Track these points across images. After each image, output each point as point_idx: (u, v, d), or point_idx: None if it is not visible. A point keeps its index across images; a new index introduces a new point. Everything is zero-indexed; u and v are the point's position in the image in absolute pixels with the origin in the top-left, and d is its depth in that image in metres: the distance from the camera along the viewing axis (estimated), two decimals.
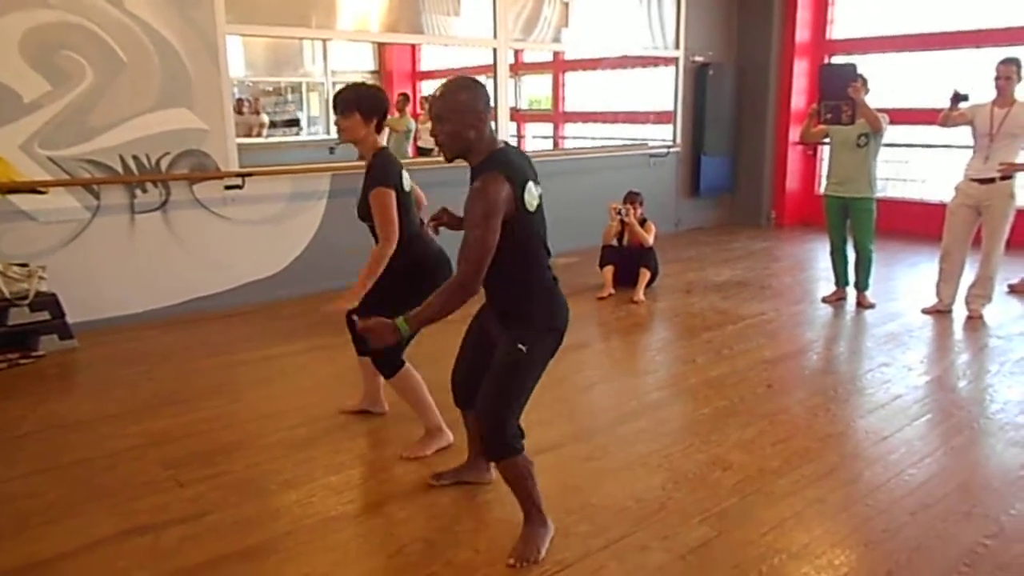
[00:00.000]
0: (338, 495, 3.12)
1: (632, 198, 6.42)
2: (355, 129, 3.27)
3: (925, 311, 5.65)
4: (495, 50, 7.34)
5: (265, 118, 11.50)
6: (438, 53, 13.75)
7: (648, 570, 2.59)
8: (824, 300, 6.05)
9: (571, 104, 12.90)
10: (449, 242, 3.06)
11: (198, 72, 5.57)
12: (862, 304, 5.85)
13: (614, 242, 6.43)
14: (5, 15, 4.85)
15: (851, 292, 5.99)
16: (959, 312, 5.60)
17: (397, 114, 9.81)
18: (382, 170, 3.26)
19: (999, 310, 5.62)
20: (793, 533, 2.81)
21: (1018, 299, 6.02)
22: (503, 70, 7.41)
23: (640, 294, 6.12)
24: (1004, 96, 5.17)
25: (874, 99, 5.49)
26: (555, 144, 12.93)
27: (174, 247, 5.68)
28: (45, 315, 4.92)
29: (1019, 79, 5.15)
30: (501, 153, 2.50)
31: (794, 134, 8.74)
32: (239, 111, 9.88)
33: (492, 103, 2.54)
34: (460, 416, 3.02)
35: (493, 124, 2.54)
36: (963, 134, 5.59)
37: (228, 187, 5.83)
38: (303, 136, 12.26)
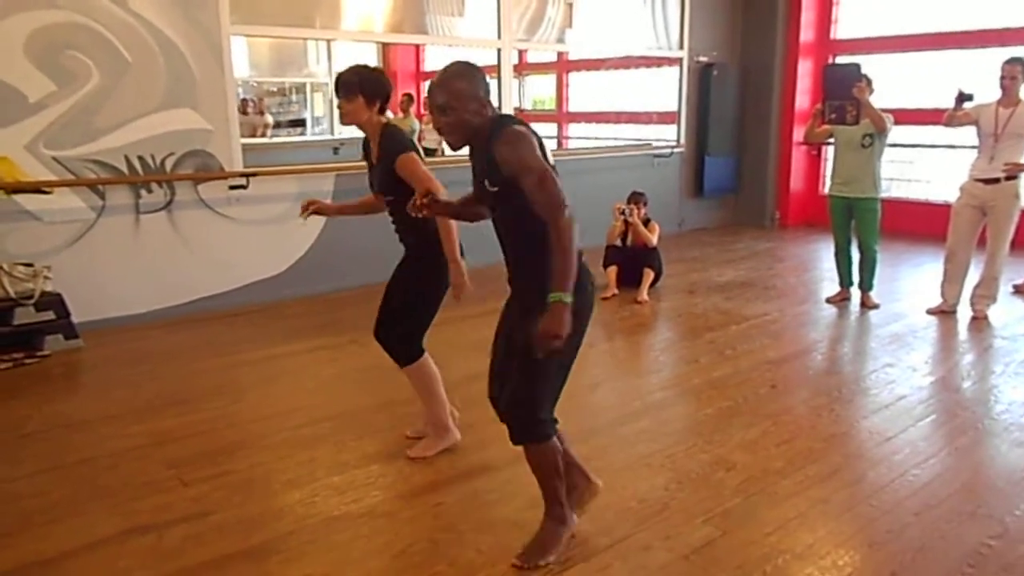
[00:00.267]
0: (341, 495, 3.13)
1: (636, 198, 6.41)
2: (358, 112, 3.20)
3: (930, 312, 5.64)
4: (499, 50, 7.34)
5: (269, 118, 11.52)
6: (442, 53, 13.74)
7: (651, 570, 2.59)
8: (828, 300, 6.04)
9: (575, 104, 12.90)
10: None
11: (203, 73, 5.58)
12: (866, 304, 5.84)
13: (618, 242, 6.43)
14: (10, 15, 4.87)
15: (855, 292, 5.98)
16: (964, 313, 5.58)
17: (401, 114, 9.81)
18: (397, 139, 3.20)
19: (1004, 311, 5.61)
20: (797, 533, 2.81)
21: (1023, 299, 6.00)
22: (507, 70, 7.41)
23: (644, 294, 6.12)
24: (1009, 96, 5.16)
25: (878, 99, 5.48)
26: (559, 144, 12.91)
27: (179, 247, 5.70)
28: (50, 315, 4.93)
29: None
30: (503, 117, 2.44)
31: (798, 134, 8.71)
32: (243, 111, 9.90)
33: (488, 84, 2.44)
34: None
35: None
36: (968, 134, 5.58)
37: (232, 187, 5.84)
38: (307, 136, 12.28)
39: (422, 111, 11.84)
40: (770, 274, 7.05)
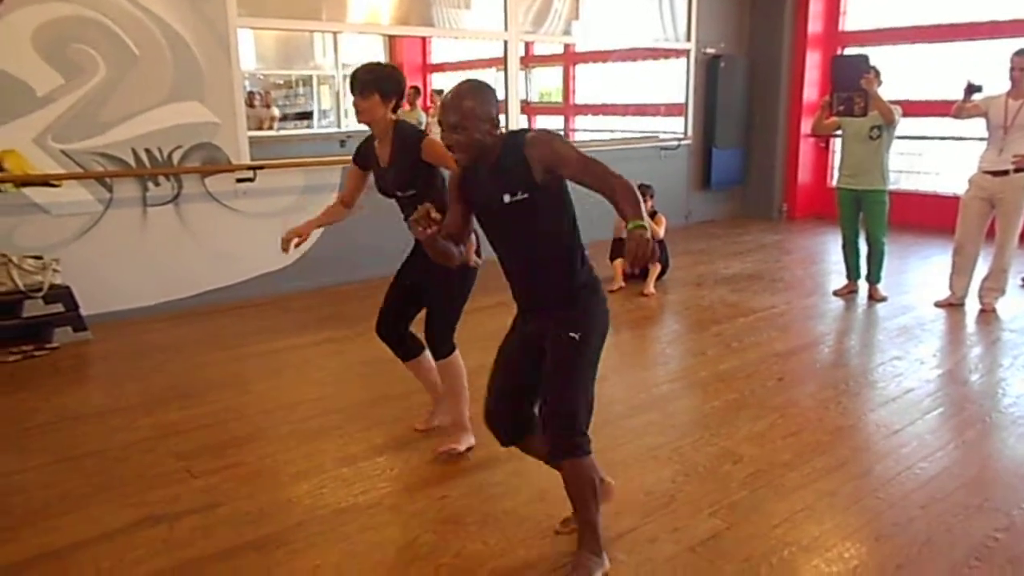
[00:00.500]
0: (349, 487, 3.14)
1: (643, 191, 6.35)
2: (374, 110, 3.20)
3: (938, 304, 5.62)
4: (506, 43, 7.33)
5: (276, 111, 11.53)
6: (449, 46, 13.74)
7: (658, 562, 2.59)
8: (836, 293, 6.02)
9: (582, 97, 12.86)
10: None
11: (210, 65, 5.59)
12: (874, 297, 5.82)
13: (624, 235, 6.41)
14: (18, 9, 4.88)
15: (863, 285, 5.96)
16: (972, 305, 5.56)
17: (408, 107, 9.81)
18: (411, 129, 3.25)
19: (1012, 303, 5.58)
20: (804, 526, 2.81)
21: None
22: (514, 63, 7.40)
23: (650, 287, 6.11)
24: (1019, 88, 5.12)
25: (887, 91, 5.45)
26: (566, 137, 12.88)
27: (186, 240, 5.71)
28: (59, 307, 4.95)
29: None
30: (511, 131, 2.46)
31: (806, 126, 8.70)
32: (250, 104, 9.91)
33: (498, 102, 2.46)
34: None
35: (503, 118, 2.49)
36: (977, 126, 5.55)
37: (240, 180, 5.85)
38: (314, 129, 12.29)
39: (428, 104, 11.85)
40: (777, 267, 7.04)
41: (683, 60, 8.91)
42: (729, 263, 7.15)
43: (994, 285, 5.49)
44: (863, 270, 5.92)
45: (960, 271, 5.57)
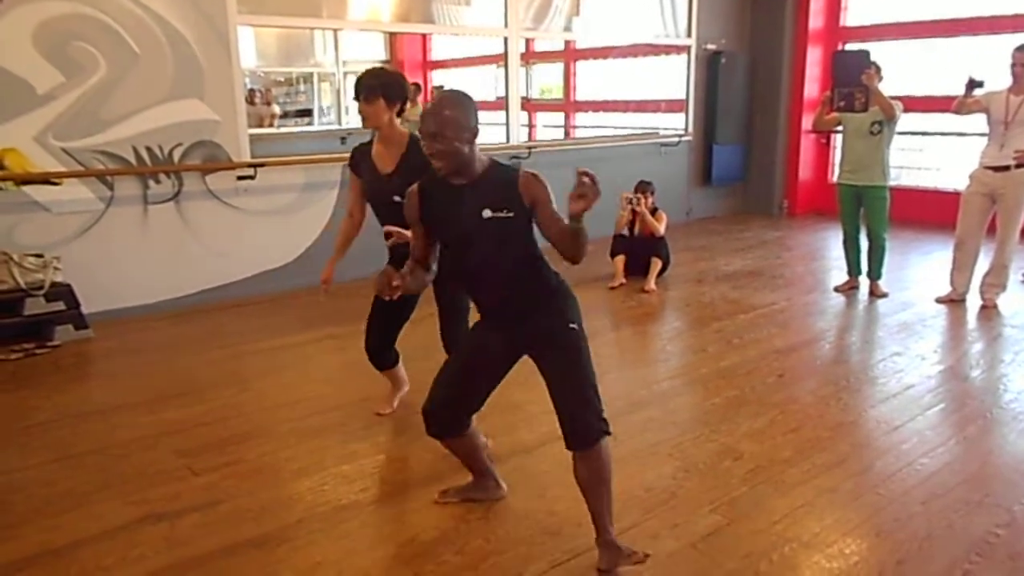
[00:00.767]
0: (350, 484, 3.14)
1: (643, 187, 6.40)
2: (379, 115, 3.25)
3: (939, 300, 5.62)
4: (506, 39, 7.32)
5: (277, 108, 11.52)
6: (449, 42, 13.73)
7: (659, 558, 2.60)
8: (836, 289, 6.02)
9: (582, 93, 12.86)
10: None
11: (210, 63, 5.59)
12: (875, 293, 5.82)
13: (625, 231, 6.42)
14: (19, 7, 4.87)
15: (864, 281, 5.96)
16: (973, 301, 5.56)
17: (409, 104, 9.79)
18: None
19: (1013, 299, 5.58)
20: (804, 522, 2.81)
21: None
22: (514, 59, 7.39)
23: (651, 283, 6.11)
24: (1020, 83, 5.11)
25: (888, 86, 5.45)
26: (566, 133, 12.89)
27: (187, 237, 5.72)
28: (60, 305, 4.96)
29: None
30: (497, 161, 2.57)
31: (807, 122, 8.68)
32: (251, 102, 9.90)
33: (478, 113, 2.52)
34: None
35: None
36: (978, 122, 5.54)
37: (240, 177, 5.86)
38: (315, 126, 12.28)
39: (429, 100, 11.83)
40: (778, 263, 7.03)
41: (684, 56, 8.90)
42: (730, 259, 7.15)
43: (995, 281, 5.49)
44: (864, 266, 5.92)
45: (961, 267, 5.56)
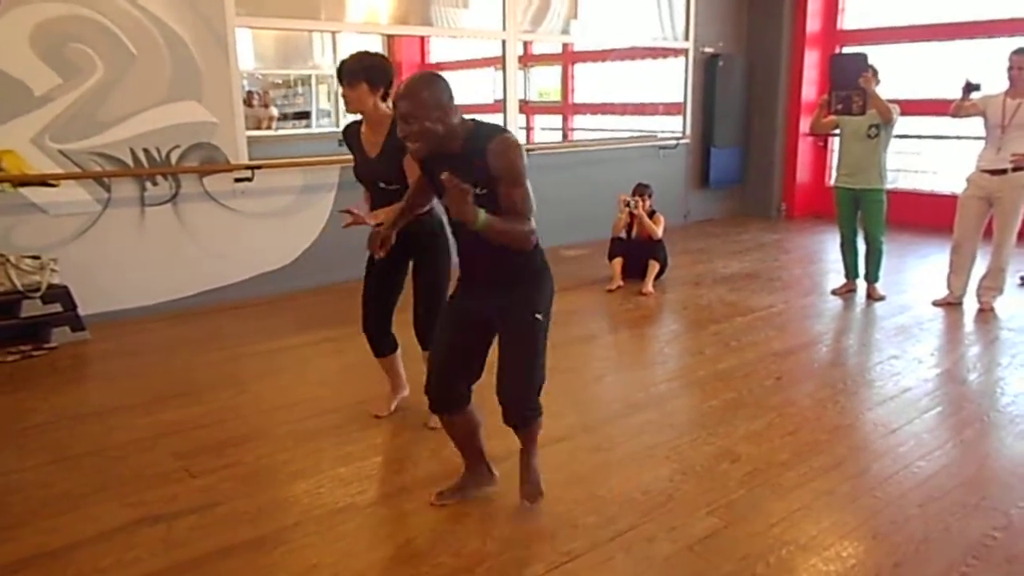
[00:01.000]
0: (347, 486, 3.14)
1: (641, 190, 6.40)
2: (362, 99, 3.23)
3: (936, 303, 5.62)
4: (504, 42, 7.32)
5: (274, 111, 11.50)
6: (448, 45, 13.72)
7: (655, 561, 2.60)
8: (834, 292, 6.03)
9: (580, 96, 12.85)
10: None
11: (208, 65, 5.59)
12: (872, 296, 5.83)
13: (623, 234, 6.42)
14: (15, 8, 4.87)
15: (861, 284, 5.97)
16: (970, 304, 5.57)
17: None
18: None
19: (1010, 302, 5.59)
20: (801, 525, 2.81)
21: None
22: (512, 62, 7.40)
23: (649, 286, 6.11)
24: (1017, 87, 5.13)
25: (885, 89, 5.45)
26: (564, 136, 12.88)
27: (184, 240, 5.71)
28: (57, 307, 4.95)
29: None
30: (482, 124, 2.55)
31: (804, 125, 8.71)
32: (249, 104, 9.89)
33: (454, 96, 2.52)
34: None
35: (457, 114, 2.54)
36: (975, 125, 5.55)
37: (238, 180, 5.85)
38: (312, 128, 12.27)
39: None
40: (775, 266, 7.04)
41: (682, 59, 8.90)
42: (727, 262, 7.15)
43: (992, 284, 5.49)
44: (861, 269, 5.93)
45: (958, 270, 5.57)
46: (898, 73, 8.01)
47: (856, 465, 3.28)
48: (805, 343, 4.98)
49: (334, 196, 6.32)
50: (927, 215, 8.30)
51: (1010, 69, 5.12)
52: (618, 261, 6.31)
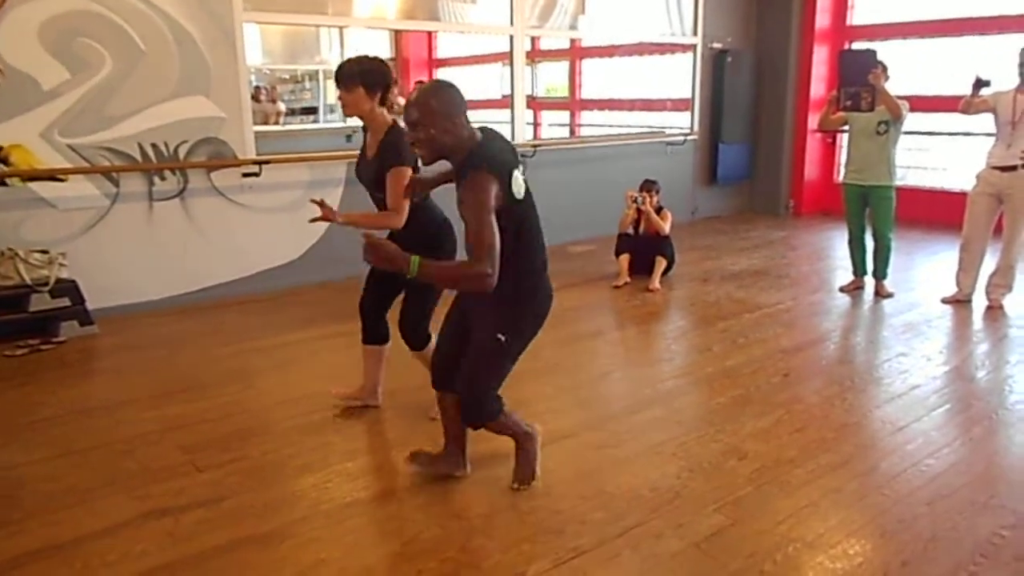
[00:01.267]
0: (354, 481, 3.14)
1: (649, 186, 6.39)
2: (359, 103, 3.24)
3: (944, 301, 5.60)
4: (511, 37, 7.31)
5: (282, 106, 11.51)
6: (455, 40, 13.71)
7: (662, 558, 2.59)
8: (842, 289, 6.01)
9: (588, 92, 12.83)
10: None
11: (216, 60, 5.59)
12: (880, 293, 5.81)
13: (630, 230, 6.41)
14: (25, 3, 4.88)
15: (869, 281, 5.95)
16: (979, 302, 5.54)
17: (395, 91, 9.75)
18: (399, 147, 3.22)
19: (1020, 300, 5.55)
20: (808, 522, 2.81)
21: None
22: (520, 57, 7.38)
23: (656, 282, 6.10)
24: None
25: (894, 86, 5.43)
26: (572, 132, 12.87)
27: (192, 234, 5.72)
28: (65, 301, 4.97)
29: None
30: (481, 148, 2.56)
31: (813, 121, 8.63)
32: (256, 99, 9.89)
33: (465, 104, 2.56)
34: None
35: (468, 122, 2.58)
36: (985, 121, 5.52)
37: (245, 175, 5.86)
38: (320, 124, 12.28)
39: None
40: (784, 263, 7.02)
41: (690, 55, 8.87)
42: (735, 259, 7.14)
43: (1001, 281, 5.47)
44: (869, 266, 5.91)
45: (967, 267, 5.55)
46: (907, 69, 7.97)
47: (864, 463, 3.27)
48: (813, 340, 4.97)
49: (341, 191, 6.32)
50: (936, 212, 8.27)
51: (1020, 65, 5.09)
52: (625, 257, 6.31)
